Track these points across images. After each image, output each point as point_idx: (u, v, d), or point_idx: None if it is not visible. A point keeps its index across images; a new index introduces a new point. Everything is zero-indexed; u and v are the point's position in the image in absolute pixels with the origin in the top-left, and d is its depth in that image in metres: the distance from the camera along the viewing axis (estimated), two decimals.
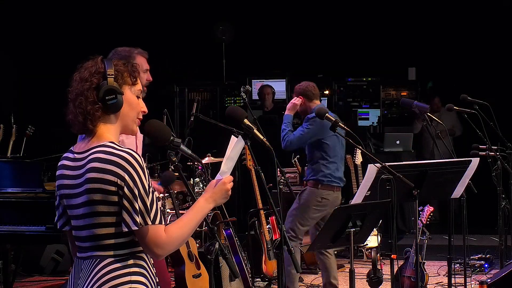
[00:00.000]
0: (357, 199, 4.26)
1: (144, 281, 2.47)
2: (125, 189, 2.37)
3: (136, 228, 2.38)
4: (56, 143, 7.54)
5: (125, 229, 2.39)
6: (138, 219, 2.38)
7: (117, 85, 2.48)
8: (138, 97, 2.57)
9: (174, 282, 5.56)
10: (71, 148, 2.55)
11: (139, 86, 2.57)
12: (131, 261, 2.45)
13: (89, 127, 2.46)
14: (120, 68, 2.51)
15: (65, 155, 2.55)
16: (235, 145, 2.65)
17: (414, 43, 10.63)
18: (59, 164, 2.55)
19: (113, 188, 2.38)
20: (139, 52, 4.11)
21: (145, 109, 2.60)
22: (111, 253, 2.43)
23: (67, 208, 2.53)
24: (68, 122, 2.50)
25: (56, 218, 2.63)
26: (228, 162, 2.62)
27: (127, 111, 2.52)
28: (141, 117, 2.59)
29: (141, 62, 4.08)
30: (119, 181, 2.37)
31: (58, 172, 2.54)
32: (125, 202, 2.38)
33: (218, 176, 2.59)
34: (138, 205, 2.38)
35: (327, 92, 10.84)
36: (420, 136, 10.22)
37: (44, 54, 9.87)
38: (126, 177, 2.37)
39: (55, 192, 2.59)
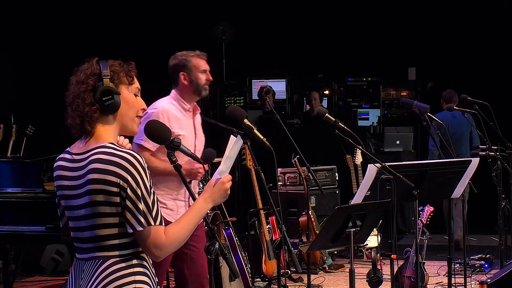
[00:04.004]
0: (357, 199, 4.25)
1: (148, 281, 2.48)
2: (128, 190, 2.37)
3: (141, 228, 2.38)
4: (56, 143, 7.53)
5: (130, 230, 2.39)
6: (142, 219, 2.38)
7: (114, 86, 2.47)
8: (136, 96, 2.57)
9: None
10: (68, 149, 2.55)
11: (136, 85, 2.57)
12: (134, 261, 2.45)
13: (87, 129, 2.46)
14: (116, 68, 2.51)
15: (61, 155, 2.54)
16: (234, 145, 2.65)
17: (414, 43, 10.63)
18: (55, 165, 2.54)
19: (115, 189, 2.37)
20: (195, 54, 4.36)
21: (144, 106, 2.60)
22: (116, 253, 2.43)
23: (65, 209, 2.52)
24: (67, 126, 2.50)
25: (59, 217, 2.63)
26: (227, 162, 2.61)
27: (125, 110, 2.52)
28: (141, 114, 2.59)
29: (198, 63, 4.34)
30: (121, 182, 2.37)
31: (56, 173, 2.53)
32: (129, 203, 2.37)
33: (216, 175, 2.58)
34: (141, 206, 2.38)
35: (327, 92, 10.83)
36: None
37: (44, 54, 9.87)
38: (129, 178, 2.37)
39: (56, 192, 2.58)
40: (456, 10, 10.52)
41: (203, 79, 4.33)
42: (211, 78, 4.38)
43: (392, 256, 4.28)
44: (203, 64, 4.36)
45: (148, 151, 4.14)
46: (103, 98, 2.45)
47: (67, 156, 2.52)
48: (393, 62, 10.70)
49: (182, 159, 4.19)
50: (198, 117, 4.46)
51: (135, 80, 2.57)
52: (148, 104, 2.62)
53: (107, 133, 2.48)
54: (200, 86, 4.33)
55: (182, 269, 4.33)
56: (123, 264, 2.43)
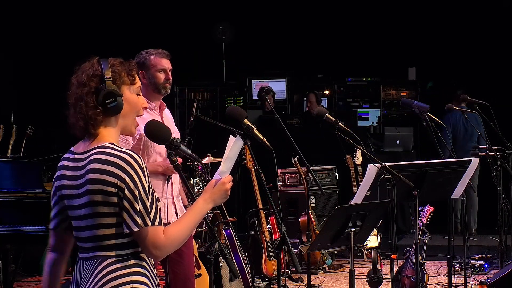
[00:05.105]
0: (357, 199, 4.25)
1: (145, 281, 2.47)
2: (126, 191, 2.37)
3: (137, 229, 2.37)
4: (56, 143, 7.53)
5: (126, 231, 2.39)
6: (139, 220, 2.37)
7: (116, 87, 2.47)
8: (138, 95, 2.57)
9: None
10: (71, 148, 2.55)
11: (138, 84, 2.57)
12: (132, 261, 2.45)
13: (91, 131, 2.46)
14: (117, 68, 2.50)
15: (65, 155, 2.55)
16: (234, 145, 2.64)
17: (414, 43, 10.63)
18: (59, 164, 2.55)
19: (112, 189, 2.37)
20: (155, 52, 4.35)
21: (146, 104, 2.61)
22: (113, 253, 2.43)
23: (68, 209, 2.52)
24: (69, 125, 2.49)
25: (51, 218, 2.62)
26: (227, 162, 2.61)
27: (127, 111, 2.52)
28: (142, 113, 2.59)
29: (156, 62, 4.31)
30: (119, 183, 2.37)
31: (58, 173, 2.54)
32: (126, 204, 2.37)
33: (216, 176, 2.58)
34: (138, 206, 2.38)
35: (327, 92, 10.84)
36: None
37: (44, 54, 9.87)
38: (126, 178, 2.37)
39: (52, 192, 2.57)
40: (456, 10, 10.52)
41: (161, 78, 4.30)
42: (170, 77, 4.34)
43: (392, 256, 4.28)
44: (163, 63, 4.33)
45: None
46: (106, 101, 2.44)
47: (70, 156, 2.52)
48: (393, 62, 10.70)
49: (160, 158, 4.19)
50: (167, 113, 4.44)
51: (137, 79, 2.57)
52: None
53: (109, 134, 2.49)
54: (158, 85, 4.30)
55: (166, 270, 4.36)
56: (119, 264, 2.43)
